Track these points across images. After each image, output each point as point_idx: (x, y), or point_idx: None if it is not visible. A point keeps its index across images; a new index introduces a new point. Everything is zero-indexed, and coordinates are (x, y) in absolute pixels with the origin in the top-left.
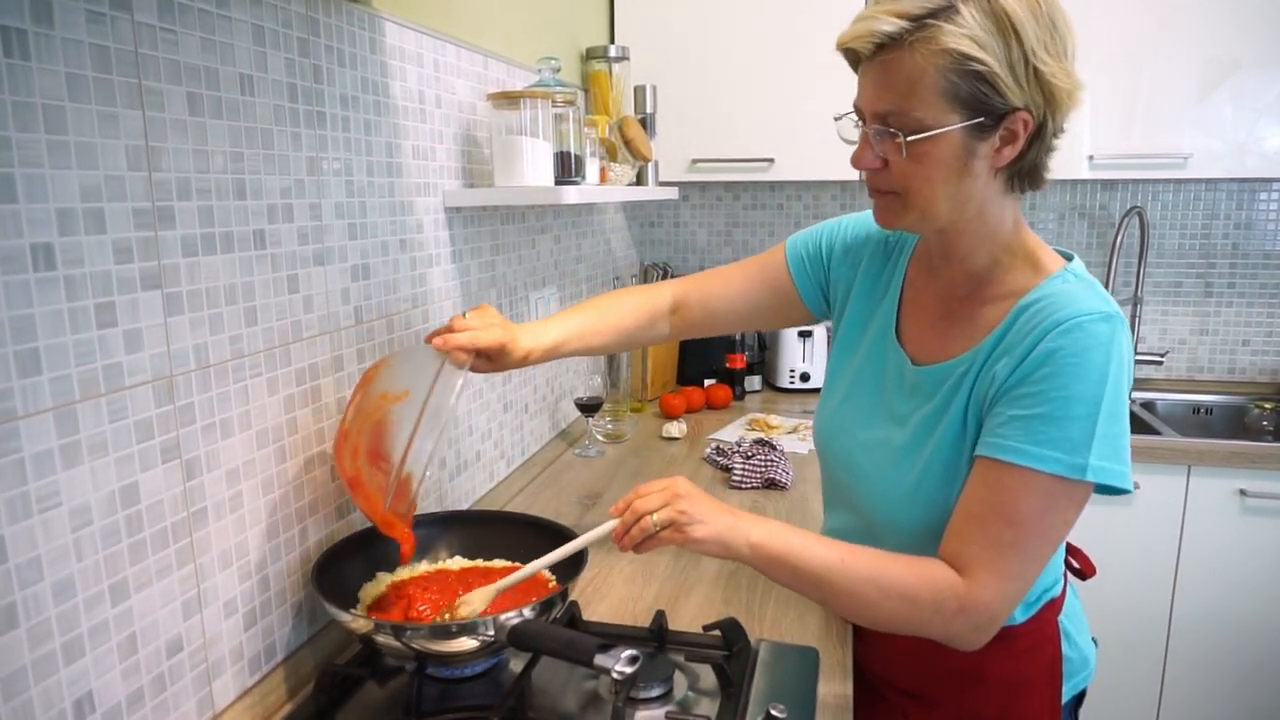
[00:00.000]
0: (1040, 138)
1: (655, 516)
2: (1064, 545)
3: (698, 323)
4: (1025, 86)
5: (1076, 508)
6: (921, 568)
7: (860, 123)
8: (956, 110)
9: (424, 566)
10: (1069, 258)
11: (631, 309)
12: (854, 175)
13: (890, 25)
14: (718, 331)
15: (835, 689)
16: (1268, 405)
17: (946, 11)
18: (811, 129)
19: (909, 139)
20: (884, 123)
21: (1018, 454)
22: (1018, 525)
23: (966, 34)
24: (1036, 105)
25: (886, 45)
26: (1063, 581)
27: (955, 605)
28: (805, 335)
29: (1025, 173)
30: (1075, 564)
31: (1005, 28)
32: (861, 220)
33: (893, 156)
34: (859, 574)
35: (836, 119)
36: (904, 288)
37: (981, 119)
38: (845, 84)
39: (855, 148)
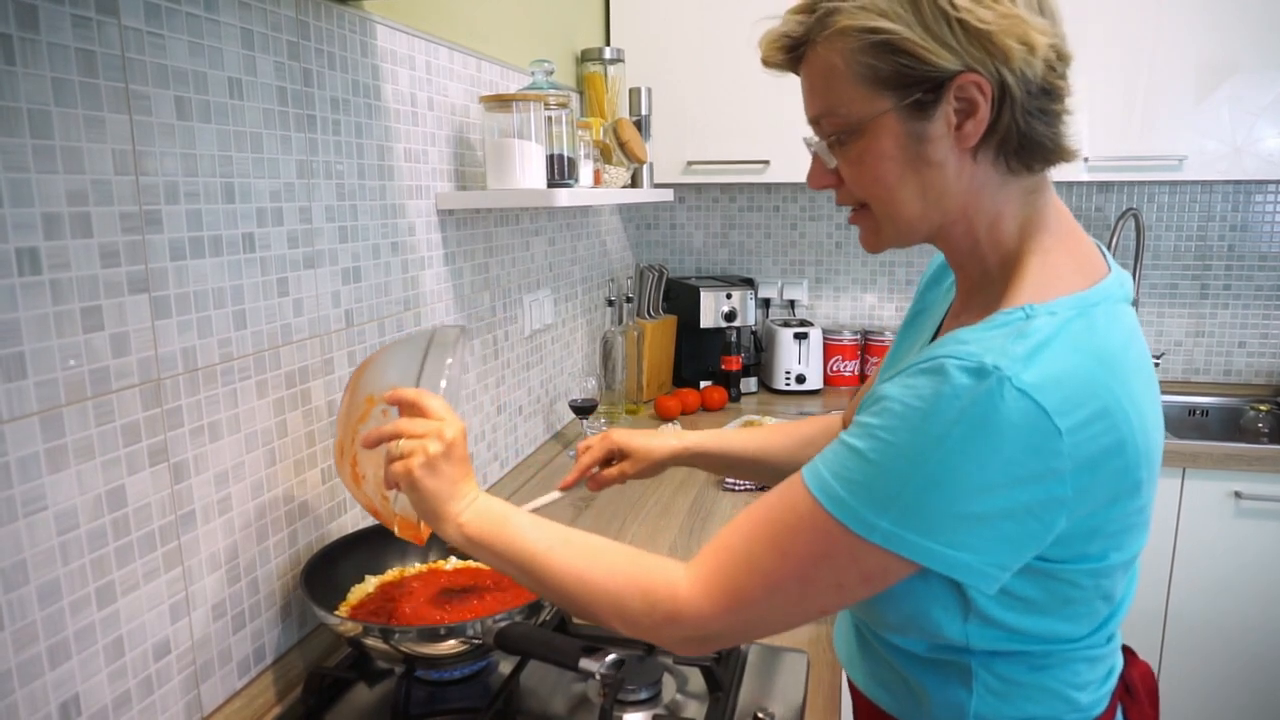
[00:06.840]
0: (1009, 99)
1: (403, 443)
2: (1114, 686)
3: None
4: (956, 45)
5: (859, 572)
6: (642, 564)
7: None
8: (883, 94)
9: (416, 566)
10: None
11: (808, 422)
12: None
13: (788, 25)
14: None
15: (824, 693)
16: (1263, 407)
17: None
18: (807, 131)
19: (842, 141)
20: (820, 130)
21: (815, 478)
22: (784, 555)
23: (861, 5)
24: (981, 62)
25: (798, 48)
26: None
27: (667, 610)
28: (801, 337)
29: (1015, 146)
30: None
31: None
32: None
33: (841, 166)
34: (565, 564)
35: (806, 141)
36: (945, 317)
37: (917, 95)
38: None
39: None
